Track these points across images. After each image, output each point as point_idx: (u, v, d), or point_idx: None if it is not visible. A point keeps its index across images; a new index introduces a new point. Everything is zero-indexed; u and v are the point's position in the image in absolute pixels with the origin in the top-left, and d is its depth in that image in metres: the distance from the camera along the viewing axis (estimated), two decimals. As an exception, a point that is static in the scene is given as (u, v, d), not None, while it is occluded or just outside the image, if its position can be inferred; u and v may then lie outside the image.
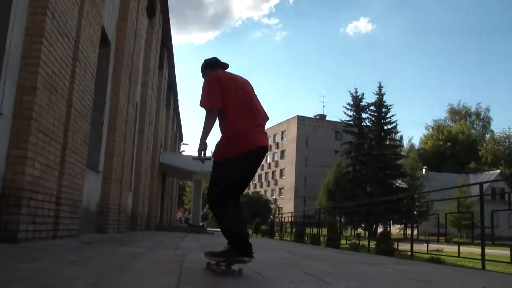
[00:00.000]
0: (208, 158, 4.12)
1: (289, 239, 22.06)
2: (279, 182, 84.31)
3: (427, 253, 9.86)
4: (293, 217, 21.77)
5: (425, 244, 9.98)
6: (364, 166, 51.60)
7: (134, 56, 13.01)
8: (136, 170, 15.65)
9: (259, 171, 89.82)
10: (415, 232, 27.53)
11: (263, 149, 4.08)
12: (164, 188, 28.36)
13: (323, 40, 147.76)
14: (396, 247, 11.35)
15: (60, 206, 6.73)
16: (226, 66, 4.48)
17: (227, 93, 4.01)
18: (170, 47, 24.97)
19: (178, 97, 33.26)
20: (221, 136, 4.09)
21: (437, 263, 8.84)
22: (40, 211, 5.94)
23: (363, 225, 45.37)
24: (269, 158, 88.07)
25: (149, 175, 18.73)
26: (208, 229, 29.24)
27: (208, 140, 4.01)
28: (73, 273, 3.27)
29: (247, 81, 4.37)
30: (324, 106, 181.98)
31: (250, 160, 3.99)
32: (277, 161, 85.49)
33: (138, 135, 16.30)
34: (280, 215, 28.28)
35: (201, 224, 25.36)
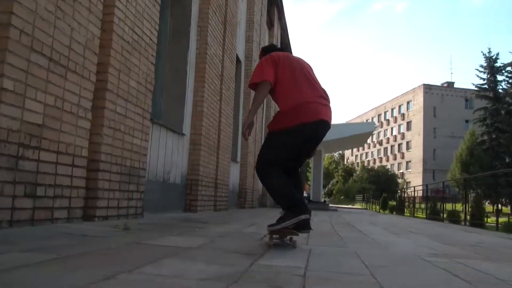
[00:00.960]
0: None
1: (421, 215, 20.46)
2: (405, 155, 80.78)
3: None
4: (427, 190, 19.96)
5: None
6: (501, 134, 47.24)
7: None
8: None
9: (384, 144, 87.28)
10: None
11: (323, 124, 3.87)
12: None
13: (446, 8, 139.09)
14: None
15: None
16: (283, 49, 4.39)
17: (285, 68, 3.94)
18: (281, 5, 22.72)
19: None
20: (279, 109, 3.99)
21: None
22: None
23: (503, 200, 41.65)
24: (394, 130, 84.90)
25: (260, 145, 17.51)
26: (331, 205, 28.18)
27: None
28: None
29: (306, 61, 4.25)
30: (451, 73, 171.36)
31: (307, 132, 3.80)
32: (403, 133, 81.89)
33: (244, 97, 14.74)
34: (412, 188, 26.38)
35: (323, 200, 24.20)
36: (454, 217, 15.77)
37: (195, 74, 9.29)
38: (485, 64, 50.32)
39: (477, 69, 51.11)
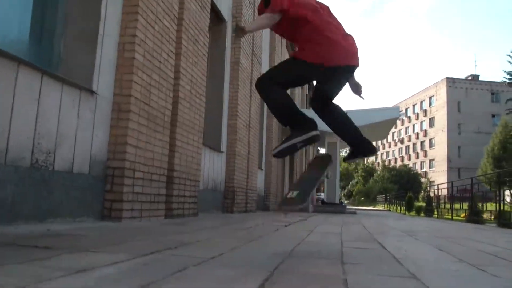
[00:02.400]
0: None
1: (450, 216, 17.01)
2: (428, 153, 76.79)
3: None
4: (471, 187, 16.28)
5: None
6: (538, 124, 42.98)
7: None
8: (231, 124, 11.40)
9: (406, 142, 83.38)
10: None
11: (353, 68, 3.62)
12: (294, 160, 24.08)
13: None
14: None
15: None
16: None
17: (305, 4, 3.53)
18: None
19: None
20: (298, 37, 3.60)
21: None
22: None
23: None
24: (416, 127, 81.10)
25: (256, 133, 14.30)
26: (348, 207, 24.67)
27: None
28: None
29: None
30: (476, 66, 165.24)
31: (325, 73, 3.51)
32: (425, 130, 77.90)
33: (231, 68, 11.91)
34: (435, 187, 22.57)
35: (339, 202, 20.51)
36: (505, 219, 12.29)
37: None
38: (518, 49, 45.95)
39: (509, 55, 46.90)
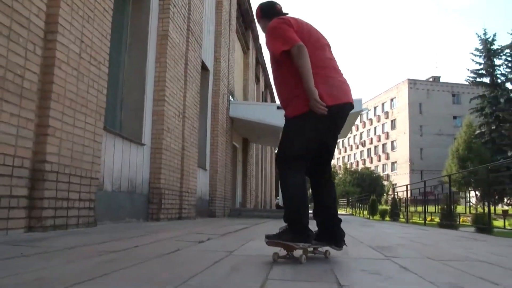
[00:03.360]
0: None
1: (419, 221, 15.31)
2: (391, 156, 75.92)
3: None
4: (449, 189, 14.33)
5: None
6: (503, 124, 41.90)
7: None
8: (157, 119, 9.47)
9: (367, 145, 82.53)
10: None
11: (349, 106, 3.38)
12: (247, 160, 21.96)
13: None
14: None
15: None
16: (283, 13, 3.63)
17: (302, 38, 3.27)
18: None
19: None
20: (295, 87, 3.26)
21: None
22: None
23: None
24: (378, 130, 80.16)
25: (194, 125, 12.37)
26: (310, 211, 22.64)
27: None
28: None
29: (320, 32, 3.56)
30: (436, 67, 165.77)
31: (333, 116, 3.21)
32: (387, 133, 77.00)
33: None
34: (400, 188, 20.74)
35: None
36: (482, 224, 10.48)
37: None
38: (480, 47, 44.88)
39: (472, 53, 45.79)
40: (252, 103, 18.43)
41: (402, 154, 71.92)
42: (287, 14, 3.62)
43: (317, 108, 3.06)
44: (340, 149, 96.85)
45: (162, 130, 8.91)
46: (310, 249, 3.27)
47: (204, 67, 13.41)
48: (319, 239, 3.42)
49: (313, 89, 3.09)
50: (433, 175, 55.77)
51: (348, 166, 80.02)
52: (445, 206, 13.45)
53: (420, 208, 16.52)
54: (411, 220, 16.38)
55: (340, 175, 72.07)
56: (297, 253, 3.17)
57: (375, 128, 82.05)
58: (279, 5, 3.68)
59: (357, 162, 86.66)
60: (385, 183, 69.48)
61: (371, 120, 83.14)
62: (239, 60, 20.41)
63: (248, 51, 22.51)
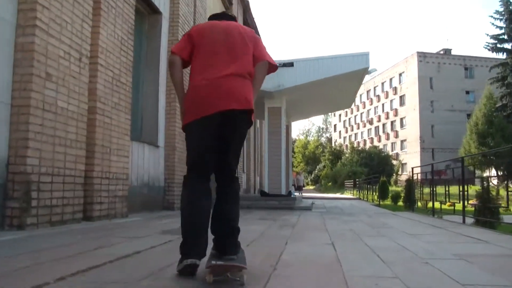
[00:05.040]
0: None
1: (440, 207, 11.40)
2: (400, 134, 71.67)
3: None
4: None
5: None
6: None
7: None
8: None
9: (375, 122, 78.67)
10: None
11: (226, 114, 3.10)
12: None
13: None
14: None
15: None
16: (219, 17, 3.60)
17: (197, 47, 3.28)
18: None
19: None
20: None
21: None
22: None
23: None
24: (386, 107, 75.96)
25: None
26: (307, 195, 19.21)
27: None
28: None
29: (236, 26, 3.42)
30: (447, 40, 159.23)
31: (205, 127, 3.10)
32: (396, 109, 72.69)
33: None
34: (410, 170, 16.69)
35: (289, 191, 14.62)
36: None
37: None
38: (501, 9, 40.33)
39: (492, 16, 41.26)
40: None
41: (411, 131, 67.73)
42: (227, 17, 3.57)
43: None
44: (346, 128, 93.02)
45: (31, 76, 5.26)
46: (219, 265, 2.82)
47: (151, 7, 9.84)
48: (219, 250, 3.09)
49: (180, 104, 3.28)
50: (444, 154, 52.13)
51: (355, 145, 76.15)
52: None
53: (439, 190, 12.71)
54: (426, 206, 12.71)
55: (347, 155, 68.26)
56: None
57: (382, 105, 77.84)
58: (220, 13, 3.69)
59: (364, 141, 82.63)
60: (394, 162, 65.63)
61: (378, 96, 78.98)
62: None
63: (231, 7, 18.54)
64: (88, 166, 6.58)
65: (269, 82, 12.71)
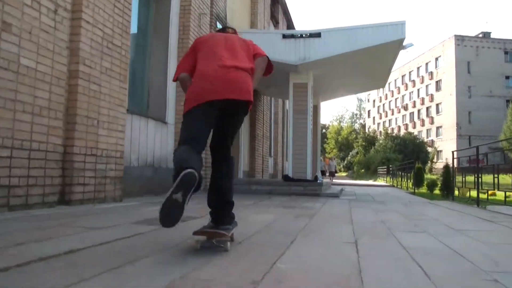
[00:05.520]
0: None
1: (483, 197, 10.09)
2: (435, 120, 69.34)
3: None
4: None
5: None
6: None
7: None
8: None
9: (410, 108, 76.52)
10: None
11: (229, 102, 3.34)
12: (255, 118, 16.91)
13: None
14: None
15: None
16: (221, 30, 4.04)
17: (201, 54, 3.51)
18: None
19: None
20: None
21: None
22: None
23: None
24: (421, 92, 73.58)
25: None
26: (337, 181, 17.98)
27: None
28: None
29: (232, 35, 3.74)
30: (486, 22, 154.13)
31: (207, 111, 3.28)
32: (431, 95, 70.28)
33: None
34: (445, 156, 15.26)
35: (313, 177, 13.33)
36: None
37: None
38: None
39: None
40: (245, 31, 13.27)
41: (448, 118, 65.39)
42: (224, 29, 3.99)
43: None
44: (380, 114, 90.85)
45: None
46: (210, 231, 3.19)
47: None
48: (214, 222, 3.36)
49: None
50: (482, 141, 49.95)
51: (389, 131, 74.09)
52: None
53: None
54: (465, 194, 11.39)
55: (381, 141, 66.37)
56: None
57: (418, 90, 75.40)
58: (231, 29, 3.99)
59: (399, 127, 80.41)
60: (429, 149, 63.47)
61: (413, 81, 76.54)
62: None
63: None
64: (67, 141, 5.52)
65: (293, 54, 11.45)
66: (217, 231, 3.10)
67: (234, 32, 3.91)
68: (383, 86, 16.89)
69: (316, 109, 16.75)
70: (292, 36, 11.51)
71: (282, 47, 11.40)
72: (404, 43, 12.72)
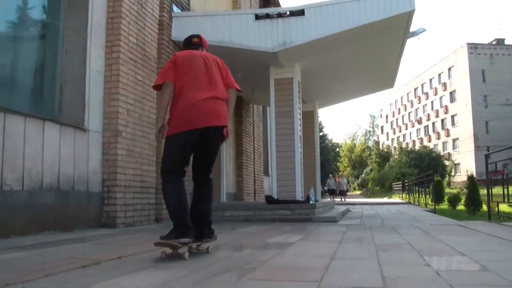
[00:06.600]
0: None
1: None
2: (451, 132, 66.63)
3: None
4: None
5: None
6: None
7: None
8: None
9: (424, 122, 74.14)
10: None
11: (209, 130, 3.90)
12: (242, 128, 14.15)
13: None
14: None
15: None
16: (195, 45, 4.33)
17: (180, 72, 3.93)
18: None
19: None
20: (169, 112, 4.00)
21: None
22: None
23: None
24: (435, 104, 71.18)
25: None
26: (345, 200, 15.57)
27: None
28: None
29: (211, 57, 4.18)
30: (499, 29, 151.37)
31: (189, 138, 3.84)
32: (446, 106, 67.62)
33: None
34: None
35: (308, 196, 10.47)
36: None
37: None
38: None
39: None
40: (212, 13, 10.56)
41: (464, 129, 62.70)
42: (199, 45, 4.30)
43: (156, 136, 3.98)
44: (394, 129, 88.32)
45: None
46: (194, 245, 3.78)
47: None
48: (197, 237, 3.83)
49: (158, 119, 3.91)
50: (502, 152, 47.23)
51: (404, 146, 71.31)
52: None
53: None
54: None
55: (395, 156, 63.60)
56: (182, 250, 3.52)
57: (431, 102, 72.80)
58: (197, 38, 4.34)
59: (414, 141, 77.60)
60: (446, 163, 60.60)
61: (427, 94, 73.98)
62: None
63: None
64: None
65: (269, 40, 8.84)
66: (202, 243, 3.88)
67: (200, 40, 4.28)
68: (392, 86, 14.19)
69: (312, 115, 14.10)
70: (268, 16, 8.87)
71: (255, 30, 8.82)
72: (415, 29, 10.23)
